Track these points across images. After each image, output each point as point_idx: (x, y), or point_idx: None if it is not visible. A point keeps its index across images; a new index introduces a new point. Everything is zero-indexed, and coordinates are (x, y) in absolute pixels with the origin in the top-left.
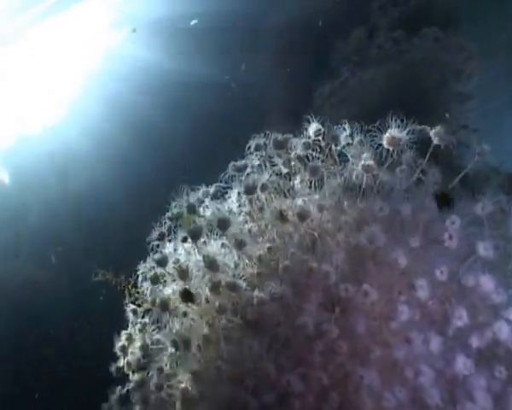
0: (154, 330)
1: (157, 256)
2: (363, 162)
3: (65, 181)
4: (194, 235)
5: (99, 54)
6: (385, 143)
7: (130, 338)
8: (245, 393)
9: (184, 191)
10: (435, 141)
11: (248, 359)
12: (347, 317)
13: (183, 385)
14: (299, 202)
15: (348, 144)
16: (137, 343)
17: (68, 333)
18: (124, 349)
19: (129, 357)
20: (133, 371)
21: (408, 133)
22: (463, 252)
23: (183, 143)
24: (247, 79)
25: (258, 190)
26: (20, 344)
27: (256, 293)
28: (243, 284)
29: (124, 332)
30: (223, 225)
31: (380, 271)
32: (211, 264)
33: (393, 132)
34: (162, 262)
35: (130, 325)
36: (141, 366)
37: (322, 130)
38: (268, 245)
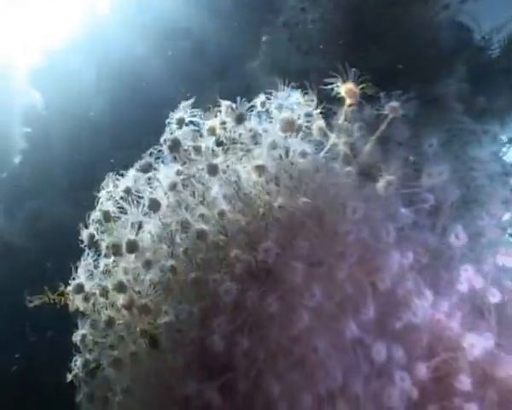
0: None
1: (74, 283)
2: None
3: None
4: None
5: None
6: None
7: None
8: None
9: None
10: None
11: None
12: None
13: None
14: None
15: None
16: (79, 360)
17: None
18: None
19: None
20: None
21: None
22: None
23: None
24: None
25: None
26: None
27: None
28: (151, 306)
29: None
30: (130, 248)
31: None
32: (119, 287)
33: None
34: (78, 290)
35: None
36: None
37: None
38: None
